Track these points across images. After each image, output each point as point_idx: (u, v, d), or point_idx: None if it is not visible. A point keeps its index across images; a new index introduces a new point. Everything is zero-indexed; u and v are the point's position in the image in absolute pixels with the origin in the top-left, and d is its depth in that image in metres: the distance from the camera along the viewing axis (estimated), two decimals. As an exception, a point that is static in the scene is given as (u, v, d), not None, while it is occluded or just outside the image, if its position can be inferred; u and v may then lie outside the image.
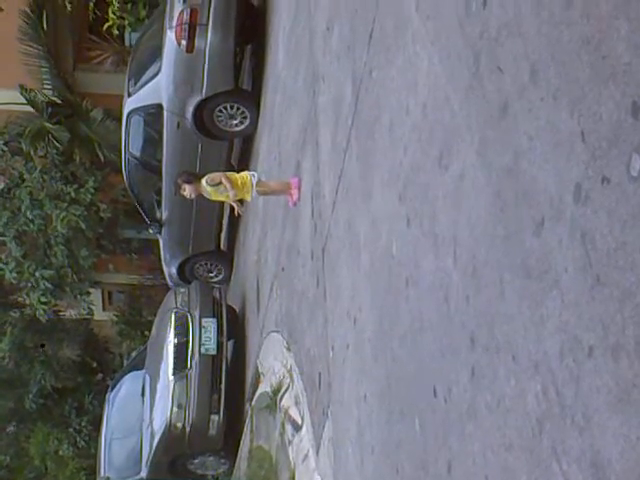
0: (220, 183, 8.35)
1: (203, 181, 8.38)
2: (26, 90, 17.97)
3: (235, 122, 12.75)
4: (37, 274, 19.08)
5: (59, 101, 18.58)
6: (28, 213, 18.64)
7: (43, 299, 19.49)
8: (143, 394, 13.40)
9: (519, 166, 3.24)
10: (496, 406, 3.35)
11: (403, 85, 4.76)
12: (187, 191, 8.44)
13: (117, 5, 15.53)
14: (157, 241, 16.47)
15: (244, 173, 8.72)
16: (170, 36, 12.16)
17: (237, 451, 12.40)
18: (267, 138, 11.54)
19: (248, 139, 13.31)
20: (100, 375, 22.81)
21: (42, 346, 21.70)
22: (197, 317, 12.69)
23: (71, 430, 22.06)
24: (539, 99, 3.09)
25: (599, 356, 2.66)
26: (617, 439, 2.55)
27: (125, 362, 21.25)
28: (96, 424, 17.90)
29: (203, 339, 12.48)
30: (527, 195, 3.16)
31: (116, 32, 16.54)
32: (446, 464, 3.91)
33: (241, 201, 8.92)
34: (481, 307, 3.56)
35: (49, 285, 19.23)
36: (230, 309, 13.63)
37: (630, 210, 2.51)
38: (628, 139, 2.53)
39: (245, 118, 12.72)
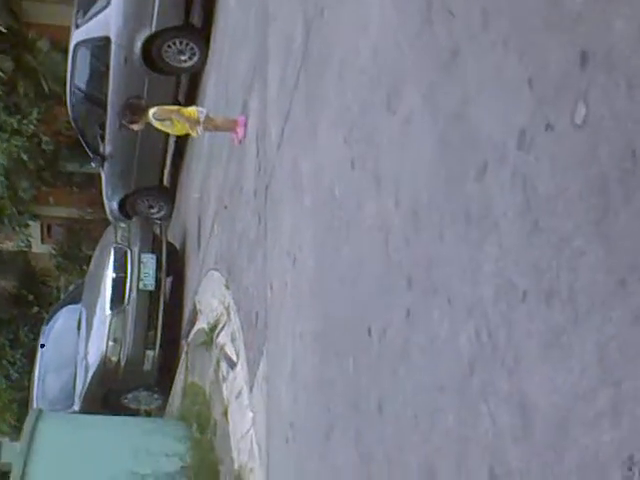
0: (168, 119, 8.25)
1: (150, 114, 8.25)
2: (-31, 18, 17.57)
3: (183, 58, 12.54)
4: (-25, 204, 18.81)
5: (4, 30, 18.05)
6: (-33, 141, 18.25)
7: (-20, 229, 19.30)
8: (79, 328, 13.31)
9: (465, 111, 3.23)
10: (429, 347, 3.38)
11: (354, 26, 4.71)
12: (136, 128, 8.46)
13: None
14: (99, 175, 16.18)
15: (191, 108, 8.61)
16: (121, -32, 11.94)
17: (171, 387, 12.45)
18: (215, 75, 11.38)
19: (196, 76, 13.09)
20: (36, 308, 22.34)
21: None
22: (136, 252, 12.58)
23: (5, 362, 21.80)
24: (489, 44, 3.07)
25: (532, 301, 2.69)
26: (544, 382, 2.58)
27: (62, 296, 21.01)
28: (30, 357, 17.73)
29: (142, 275, 12.36)
30: (471, 140, 3.15)
31: (66, -40, 16.20)
32: (377, 403, 3.95)
33: (187, 136, 8.89)
34: (420, 250, 3.57)
35: (-14, 216, 18.98)
36: (170, 246, 13.51)
37: (572, 157, 2.52)
38: (575, 88, 2.53)
39: (194, 54, 12.51)
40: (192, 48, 12.47)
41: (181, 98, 13.74)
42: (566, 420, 2.46)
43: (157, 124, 8.36)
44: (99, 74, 13.42)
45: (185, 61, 12.60)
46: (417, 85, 3.75)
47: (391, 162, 4.04)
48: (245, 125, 8.23)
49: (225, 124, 8.64)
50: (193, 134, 8.61)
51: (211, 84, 11.63)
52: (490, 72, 3.06)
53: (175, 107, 8.86)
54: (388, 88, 4.14)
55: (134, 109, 8.71)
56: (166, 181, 16.29)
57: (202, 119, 8.27)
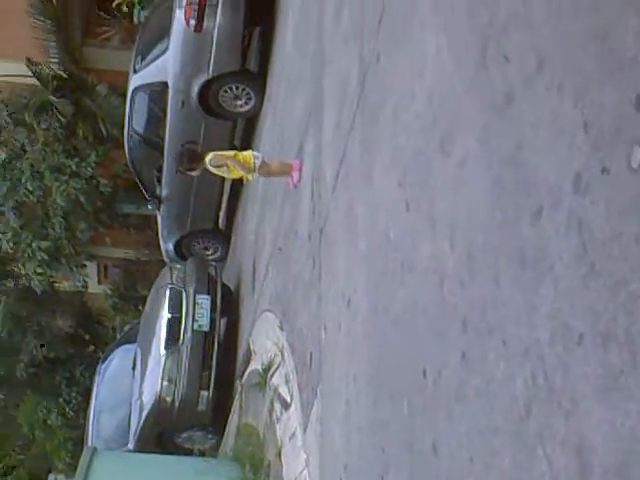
0: (224, 165, 8.40)
1: (206, 161, 8.37)
2: (33, 63, 17.89)
3: (240, 103, 12.75)
4: (34, 245, 18.99)
5: (65, 75, 18.46)
6: (28, 184, 18.55)
7: (39, 270, 19.42)
8: (134, 367, 13.39)
9: (520, 154, 3.24)
10: (485, 389, 3.36)
11: (410, 71, 4.77)
12: (193, 174, 8.66)
13: (127, -18, 15.59)
14: (155, 217, 16.47)
15: (247, 153, 8.70)
16: (179, 15, 12.16)
17: (225, 427, 12.43)
18: (271, 120, 11.53)
19: (252, 120, 13.30)
20: (92, 347, 22.61)
21: (42, 346, 21.62)
22: (191, 293, 12.62)
23: (61, 400, 21.92)
24: (544, 89, 3.09)
25: (589, 344, 2.67)
26: (602, 425, 2.57)
27: (118, 335, 21.18)
28: (86, 395, 17.89)
29: (196, 315, 12.40)
30: (527, 183, 3.16)
31: (125, 9, 16.63)
32: (432, 444, 3.93)
33: (241, 180, 8.95)
34: (475, 292, 3.56)
35: (45, 256, 19.12)
36: (225, 287, 13.59)
37: (628, 201, 2.52)
38: (630, 131, 2.54)
39: (250, 99, 12.71)
40: (248, 93, 12.66)
41: (237, 142, 13.96)
42: (625, 464, 2.43)
43: (213, 170, 8.51)
44: (156, 118, 13.72)
45: (241, 106, 12.80)
46: (472, 129, 3.77)
47: (446, 205, 4.05)
48: (300, 169, 8.30)
49: (280, 169, 8.71)
50: (248, 178, 8.71)
51: (267, 128, 11.79)
52: (545, 116, 3.08)
53: (231, 153, 8.91)
54: (443, 131, 4.17)
55: (191, 155, 8.85)
56: (221, 223, 16.55)
57: (258, 164, 8.37)
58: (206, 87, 12.47)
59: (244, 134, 14.11)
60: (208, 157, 8.42)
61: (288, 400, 7.78)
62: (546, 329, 2.92)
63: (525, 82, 3.27)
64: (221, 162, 8.40)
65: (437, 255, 4.08)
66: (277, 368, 8.50)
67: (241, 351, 11.89)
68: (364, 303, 5.39)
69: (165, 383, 12.39)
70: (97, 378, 14.90)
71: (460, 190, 3.86)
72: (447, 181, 4.06)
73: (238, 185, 14.80)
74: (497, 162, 3.47)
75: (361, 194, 5.68)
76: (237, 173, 8.51)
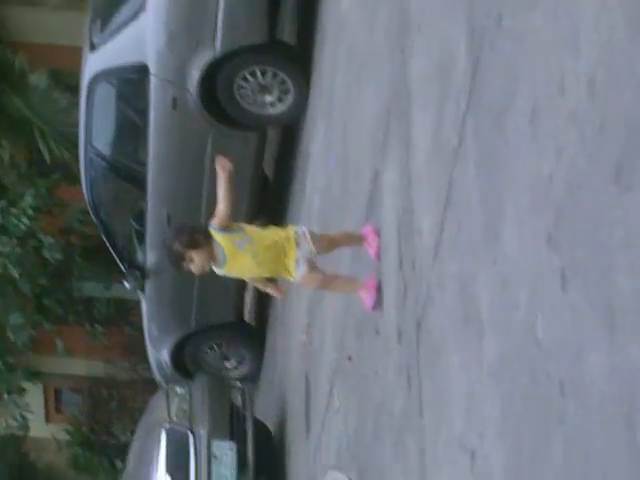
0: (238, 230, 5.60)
1: (212, 225, 5.54)
2: None
3: (270, 99, 8.75)
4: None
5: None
6: None
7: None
8: None
9: None
10: None
11: (554, 39, 3.09)
12: (196, 262, 5.50)
13: None
14: (138, 303, 11.35)
15: (285, 230, 5.75)
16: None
17: None
18: (324, 129, 8.02)
19: (291, 130, 9.38)
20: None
21: None
22: (204, 439, 8.55)
23: None
24: None
25: None
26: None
27: None
28: None
29: (215, 477, 8.32)
30: None
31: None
32: None
33: (272, 280, 6.09)
34: None
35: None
36: (260, 426, 9.35)
37: None
38: None
39: (286, 92, 8.73)
40: (283, 82, 8.69)
41: (267, 167, 10.15)
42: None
43: (225, 246, 5.66)
44: (132, 128, 9.42)
45: (272, 104, 8.80)
46: None
47: (631, 277, 2.49)
48: (378, 234, 5.66)
49: (344, 238, 6.02)
50: (285, 276, 5.78)
51: (317, 146, 8.30)
52: None
53: (254, 230, 5.78)
54: (618, 147, 2.59)
55: (190, 229, 5.75)
56: (249, 314, 11.95)
57: (306, 246, 5.59)
58: (213, 73, 8.45)
59: (280, 154, 10.26)
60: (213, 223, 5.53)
61: None
62: None
63: None
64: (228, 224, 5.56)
65: (621, 369, 2.51)
66: None
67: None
68: (499, 458, 3.48)
69: None
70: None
71: None
72: (631, 234, 2.51)
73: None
74: None
75: (482, 260, 3.79)
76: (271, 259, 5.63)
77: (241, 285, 10.50)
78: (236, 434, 8.70)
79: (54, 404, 17.73)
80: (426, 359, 4.58)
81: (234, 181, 5.41)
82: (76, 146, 9.98)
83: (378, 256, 5.61)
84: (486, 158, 3.80)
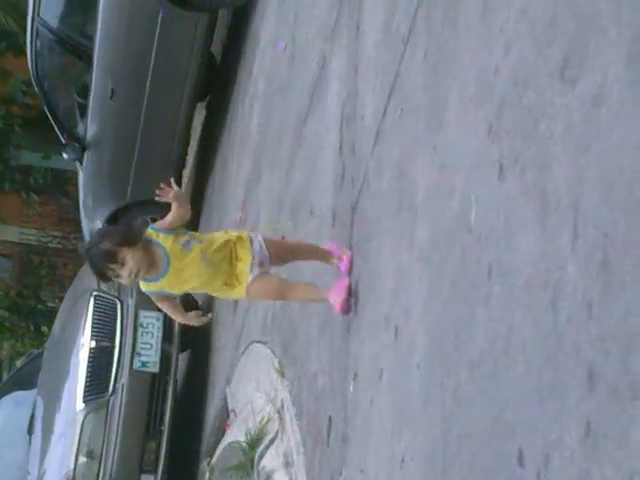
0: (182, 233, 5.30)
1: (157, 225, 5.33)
2: None
3: None
4: None
5: None
6: None
7: None
8: (31, 430, 10.28)
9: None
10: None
11: None
12: (130, 265, 5.05)
13: None
14: (75, 174, 12.98)
15: (237, 233, 5.52)
16: None
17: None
18: (275, 12, 8.97)
19: (242, 12, 10.46)
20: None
21: None
22: (131, 307, 9.60)
23: None
24: None
25: None
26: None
27: (5, 375, 17.34)
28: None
29: (139, 346, 9.35)
30: None
31: None
32: None
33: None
34: (611, 323, 2.61)
35: None
36: (187, 298, 9.69)
37: None
38: None
39: None
40: None
41: (215, 51, 11.21)
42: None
43: (170, 248, 5.36)
44: (82, 2, 10.52)
45: None
46: (615, 38, 2.71)
47: (567, 169, 2.95)
48: (348, 262, 5.39)
49: (304, 252, 5.75)
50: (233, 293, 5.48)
51: (267, 27, 9.15)
52: None
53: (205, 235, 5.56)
54: (566, 42, 3.01)
55: (121, 231, 5.40)
56: (186, 188, 13.17)
57: (256, 259, 5.31)
58: None
59: (229, 36, 11.28)
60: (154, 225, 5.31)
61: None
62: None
63: None
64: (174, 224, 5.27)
65: (549, 256, 2.99)
66: (272, 441, 6.57)
67: (212, 409, 9.36)
68: (422, 335, 4.05)
69: (82, 459, 9.26)
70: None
71: (591, 142, 2.80)
72: (571, 129, 2.94)
73: (215, 125, 11.91)
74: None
75: (424, 147, 4.25)
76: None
77: (179, 158, 11.75)
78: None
79: (-17, 270, 19.41)
80: (359, 241, 5.18)
81: (184, 197, 5.39)
82: (24, 17, 10.89)
83: (349, 270, 5.37)
84: (435, 49, 4.33)
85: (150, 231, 5.20)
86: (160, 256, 5.15)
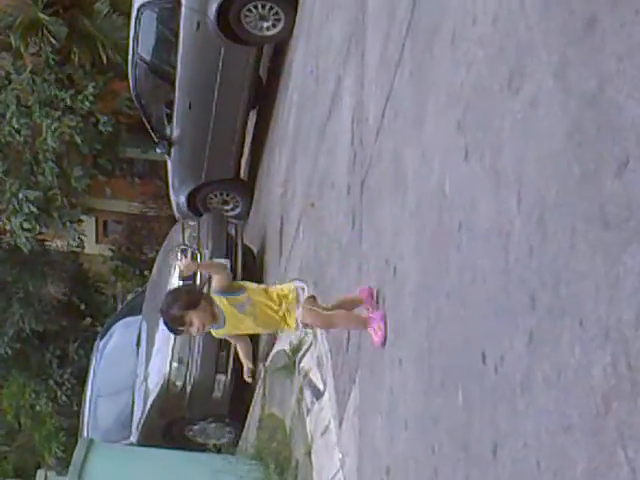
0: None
1: (213, 289, 6.14)
2: (18, -26, 17.89)
3: (266, 24, 12.85)
4: (21, 195, 19.02)
5: (56, -12, 18.42)
6: (14, 121, 18.58)
7: (26, 225, 19.41)
8: (138, 345, 13.31)
9: (604, 93, 3.18)
10: (556, 379, 3.32)
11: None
12: (196, 324, 5.88)
13: None
14: (165, 164, 16.65)
15: (283, 285, 6.29)
16: None
17: (245, 419, 12.37)
18: (304, 46, 11.51)
19: (281, 46, 13.33)
20: (89, 319, 22.57)
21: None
22: (207, 257, 12.52)
23: (51, 382, 21.95)
24: (633, 12, 3.03)
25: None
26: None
27: (119, 306, 21.13)
28: (81, 377, 17.81)
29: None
30: (611, 128, 3.10)
31: None
32: (491, 445, 3.91)
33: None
34: (546, 261, 3.50)
35: (34, 209, 19.14)
36: (247, 250, 13.57)
37: None
38: None
39: (278, 20, 12.78)
40: (276, 13, 12.70)
41: (262, 72, 14.02)
42: None
43: (226, 308, 6.17)
44: (167, 42, 13.88)
45: (268, 28, 12.88)
46: (545, 61, 3.72)
47: (513, 153, 4.01)
48: (373, 296, 6.23)
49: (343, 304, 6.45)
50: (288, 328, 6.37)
51: (299, 57, 11.74)
52: (634, 46, 3.01)
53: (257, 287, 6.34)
54: (510, 64, 4.12)
55: (190, 292, 6.37)
56: (243, 173, 16.65)
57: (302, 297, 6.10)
58: (226, 5, 12.50)
59: (272, 63, 14.10)
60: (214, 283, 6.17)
61: (321, 388, 7.82)
62: (632, 306, 2.87)
63: (611, 3, 3.20)
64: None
65: (501, 214, 4.04)
66: (308, 349, 8.54)
67: (265, 330, 11.75)
68: (413, 272, 5.40)
69: (175, 364, 12.31)
70: (94, 357, 14.83)
71: (531, 135, 3.80)
72: (515, 124, 4.01)
73: (263, 127, 14.92)
74: (575, 102, 3.41)
75: (411, 139, 5.67)
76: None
77: (239, 149, 15.42)
78: (230, 254, 12.71)
79: (102, 231, 25.39)
80: (366, 207, 6.83)
81: (211, 265, 7.68)
82: (126, 53, 14.74)
83: (384, 340, 5.88)
84: (417, 69, 5.72)
85: (212, 295, 6.01)
86: (219, 313, 5.98)
